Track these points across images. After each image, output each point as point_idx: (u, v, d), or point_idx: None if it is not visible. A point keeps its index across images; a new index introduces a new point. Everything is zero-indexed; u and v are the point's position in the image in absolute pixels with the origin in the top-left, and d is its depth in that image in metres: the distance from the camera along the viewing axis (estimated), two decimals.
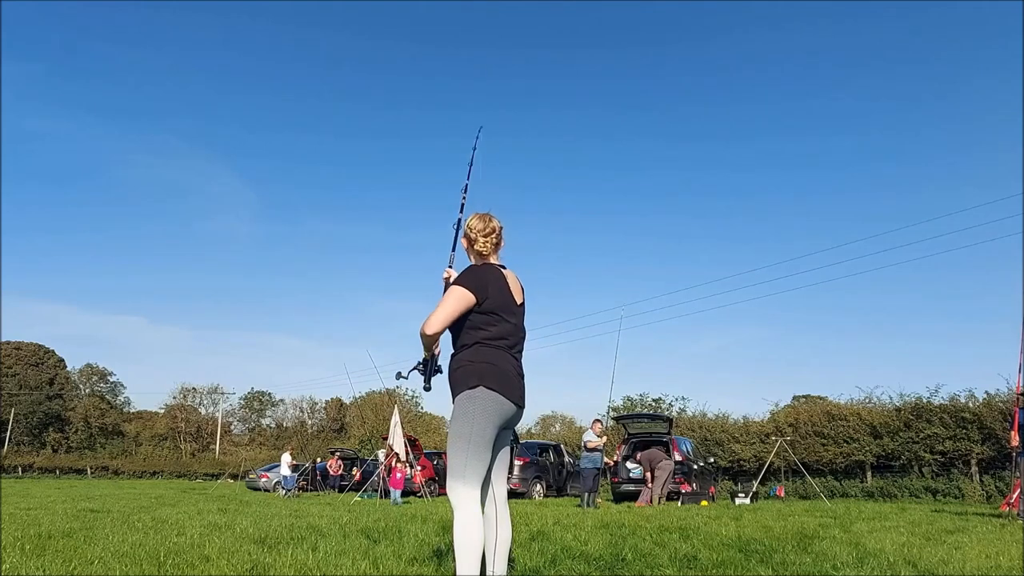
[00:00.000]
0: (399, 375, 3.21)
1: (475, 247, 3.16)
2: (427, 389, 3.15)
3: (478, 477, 2.85)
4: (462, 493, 2.79)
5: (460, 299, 2.94)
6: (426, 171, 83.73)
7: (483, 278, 3.00)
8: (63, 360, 63.35)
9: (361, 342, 79.06)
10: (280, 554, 4.60)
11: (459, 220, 3.54)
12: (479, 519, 2.77)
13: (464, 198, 3.75)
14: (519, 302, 3.15)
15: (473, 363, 2.94)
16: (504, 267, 3.19)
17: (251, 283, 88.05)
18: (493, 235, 3.16)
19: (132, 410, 66.87)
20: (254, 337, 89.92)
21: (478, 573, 2.68)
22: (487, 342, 2.97)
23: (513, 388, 2.99)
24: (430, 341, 3.04)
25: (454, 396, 2.97)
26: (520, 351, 3.15)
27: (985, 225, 55.61)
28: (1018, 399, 9.92)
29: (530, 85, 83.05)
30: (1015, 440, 9.58)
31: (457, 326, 3.02)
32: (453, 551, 2.76)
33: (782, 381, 70.88)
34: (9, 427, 54.60)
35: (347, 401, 60.55)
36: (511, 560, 3.93)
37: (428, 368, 3.15)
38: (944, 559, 4.83)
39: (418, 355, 3.17)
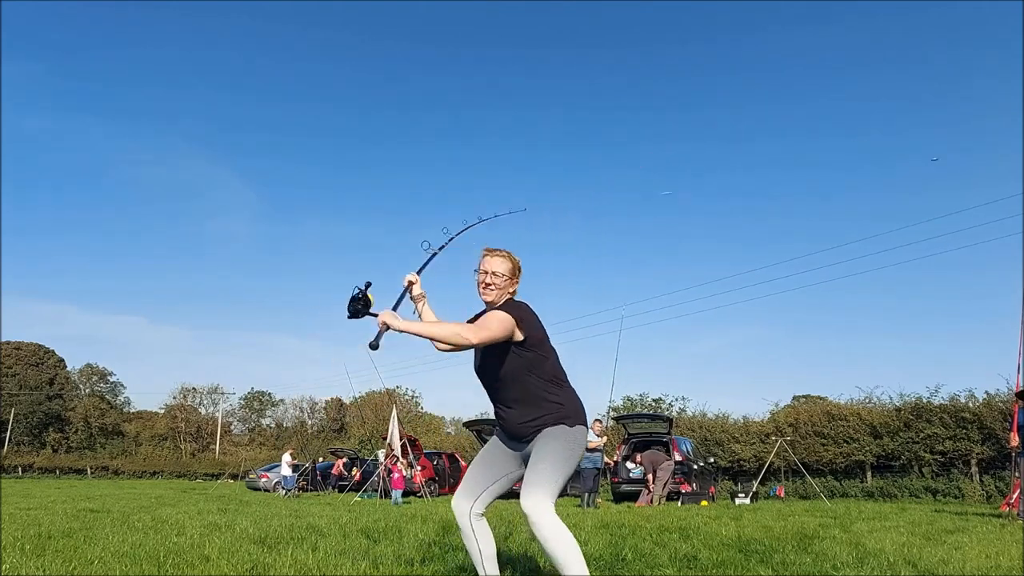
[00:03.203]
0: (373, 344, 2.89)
1: (513, 287, 3.10)
2: (374, 347, 2.88)
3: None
4: (547, 507, 2.71)
5: (506, 327, 2.87)
6: (426, 171, 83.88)
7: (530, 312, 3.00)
8: (63, 360, 63.40)
9: (361, 342, 78.89)
10: (280, 554, 4.60)
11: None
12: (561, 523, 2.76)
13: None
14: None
15: (573, 400, 2.99)
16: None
17: (251, 283, 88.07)
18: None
19: (132, 410, 66.87)
20: (254, 337, 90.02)
21: (587, 572, 2.63)
22: (564, 379, 3.03)
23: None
24: (457, 348, 2.98)
25: (556, 423, 2.88)
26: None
27: (985, 225, 55.42)
28: (1017, 399, 9.92)
29: (530, 85, 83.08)
30: (1015, 440, 9.57)
31: (528, 359, 2.93)
32: (552, 559, 2.65)
33: (782, 381, 70.88)
34: (9, 427, 54.59)
35: (347, 401, 60.59)
36: (515, 560, 3.94)
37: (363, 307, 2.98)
38: (944, 559, 4.83)
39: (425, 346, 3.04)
